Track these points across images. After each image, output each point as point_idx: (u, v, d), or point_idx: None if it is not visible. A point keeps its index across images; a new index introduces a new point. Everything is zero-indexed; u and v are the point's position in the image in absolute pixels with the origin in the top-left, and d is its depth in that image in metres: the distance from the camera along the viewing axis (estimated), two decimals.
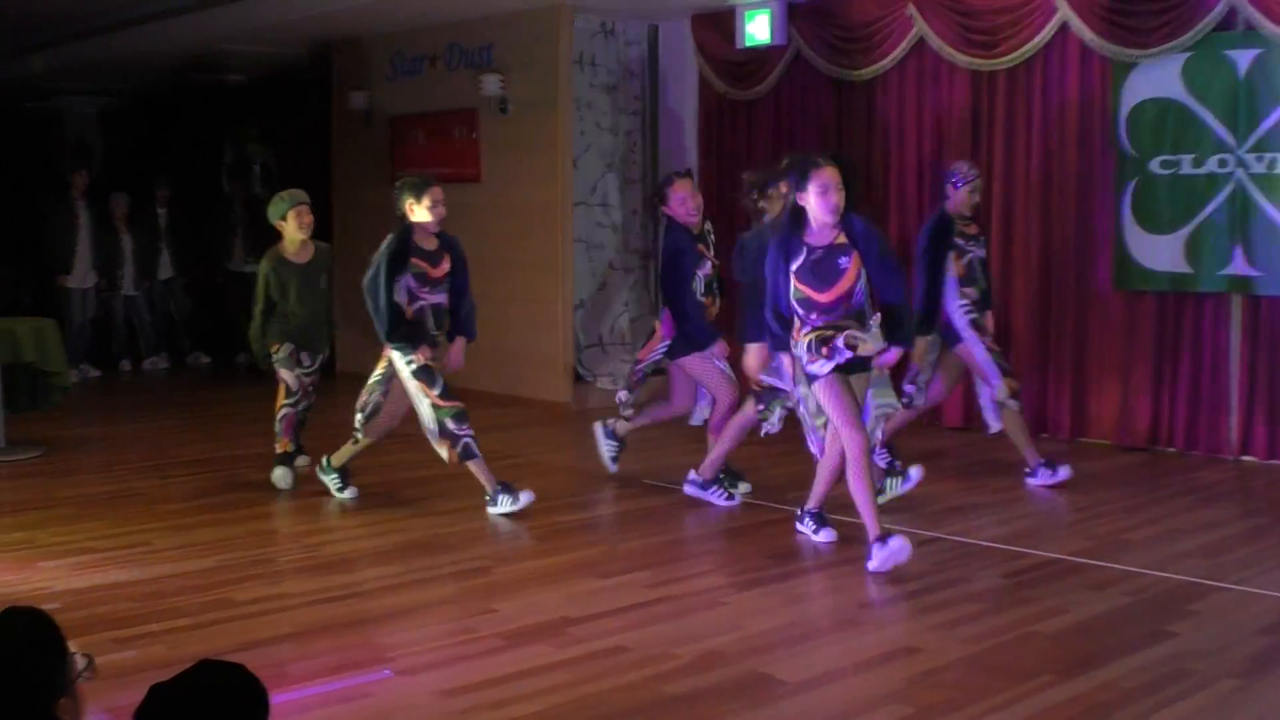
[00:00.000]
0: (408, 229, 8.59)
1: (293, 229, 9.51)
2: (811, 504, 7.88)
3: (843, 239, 7.14)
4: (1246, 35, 10.02)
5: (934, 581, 7.01)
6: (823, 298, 7.14)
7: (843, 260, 7.10)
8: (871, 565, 7.15)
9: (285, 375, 9.56)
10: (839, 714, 5.29)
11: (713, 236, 9.21)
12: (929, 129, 11.96)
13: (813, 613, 6.57)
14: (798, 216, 7.19)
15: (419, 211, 8.54)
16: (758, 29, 12.71)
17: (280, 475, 9.41)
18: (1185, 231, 10.33)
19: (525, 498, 8.62)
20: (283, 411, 9.55)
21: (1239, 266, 10.08)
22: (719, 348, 8.94)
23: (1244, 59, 10.04)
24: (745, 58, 13.16)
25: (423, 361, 8.54)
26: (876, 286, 7.23)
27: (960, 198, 9.11)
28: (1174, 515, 8.57)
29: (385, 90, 15.03)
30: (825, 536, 7.82)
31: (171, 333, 17.31)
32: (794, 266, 7.17)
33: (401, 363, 8.61)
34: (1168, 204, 10.42)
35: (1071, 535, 8.13)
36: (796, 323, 7.28)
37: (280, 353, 9.56)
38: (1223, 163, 10.15)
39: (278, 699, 5.29)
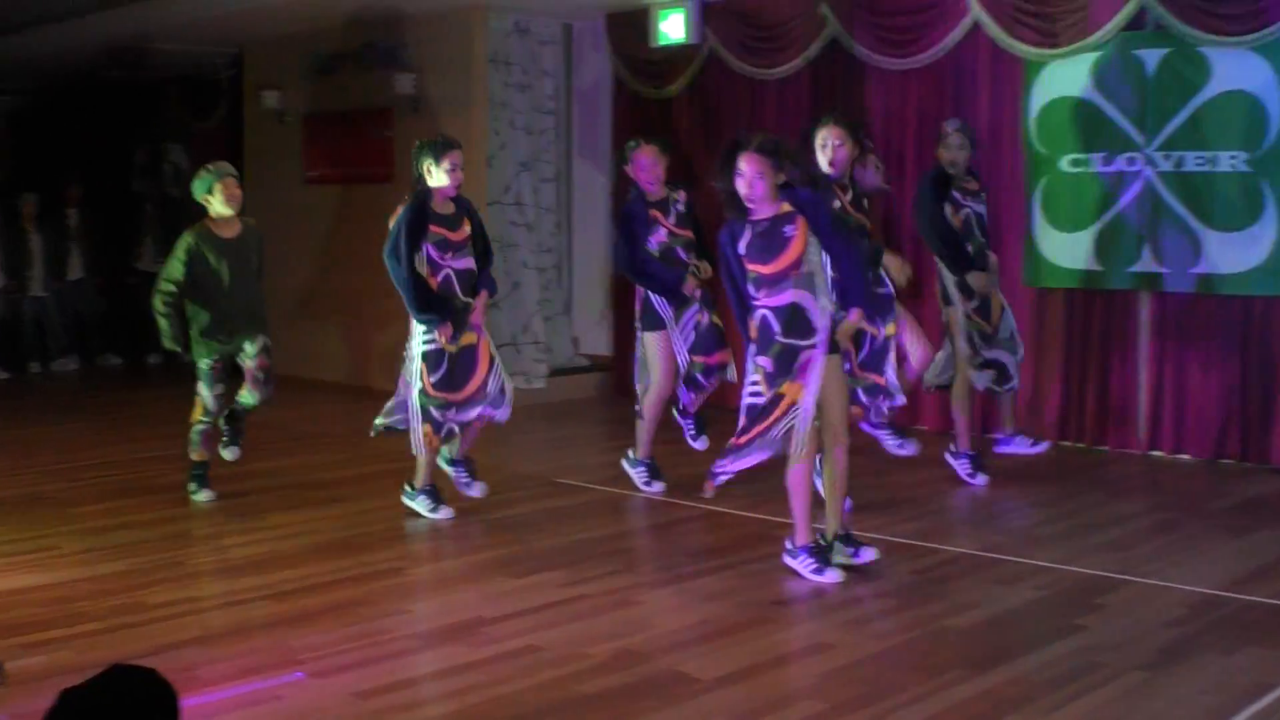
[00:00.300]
0: (422, 195, 8.25)
1: (219, 204, 8.85)
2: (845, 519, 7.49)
3: (787, 208, 6.90)
4: (1155, 35, 10.14)
5: (847, 577, 7.03)
6: (768, 269, 6.90)
7: (788, 229, 6.87)
8: (788, 562, 7.18)
9: (203, 393, 8.90)
10: (753, 711, 5.29)
11: (680, 206, 9.10)
12: None
13: (726, 610, 6.57)
14: (735, 199, 6.96)
15: (437, 175, 8.19)
16: (672, 28, 12.73)
17: (202, 496, 9.05)
18: (1095, 229, 10.44)
19: (444, 513, 8.53)
20: (198, 427, 9.03)
21: (1147, 264, 10.19)
22: (689, 285, 8.93)
23: (1152, 58, 10.16)
24: (659, 57, 13.18)
25: (439, 345, 8.24)
26: (828, 252, 6.99)
27: (941, 154, 9.18)
28: (1083, 510, 8.66)
29: (299, 89, 14.93)
30: (865, 556, 7.36)
31: (81, 334, 17.12)
32: (741, 248, 6.97)
33: (419, 338, 8.31)
34: (1077, 202, 10.53)
35: (981, 530, 8.20)
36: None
37: (203, 363, 8.88)
38: (1131, 161, 10.26)
39: (189, 703, 5.25)
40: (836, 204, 8.13)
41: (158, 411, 13.05)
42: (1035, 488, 9.26)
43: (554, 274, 14.17)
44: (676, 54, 13.02)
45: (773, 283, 6.91)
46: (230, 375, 9.05)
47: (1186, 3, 9.79)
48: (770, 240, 6.89)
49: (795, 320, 6.90)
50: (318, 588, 7.06)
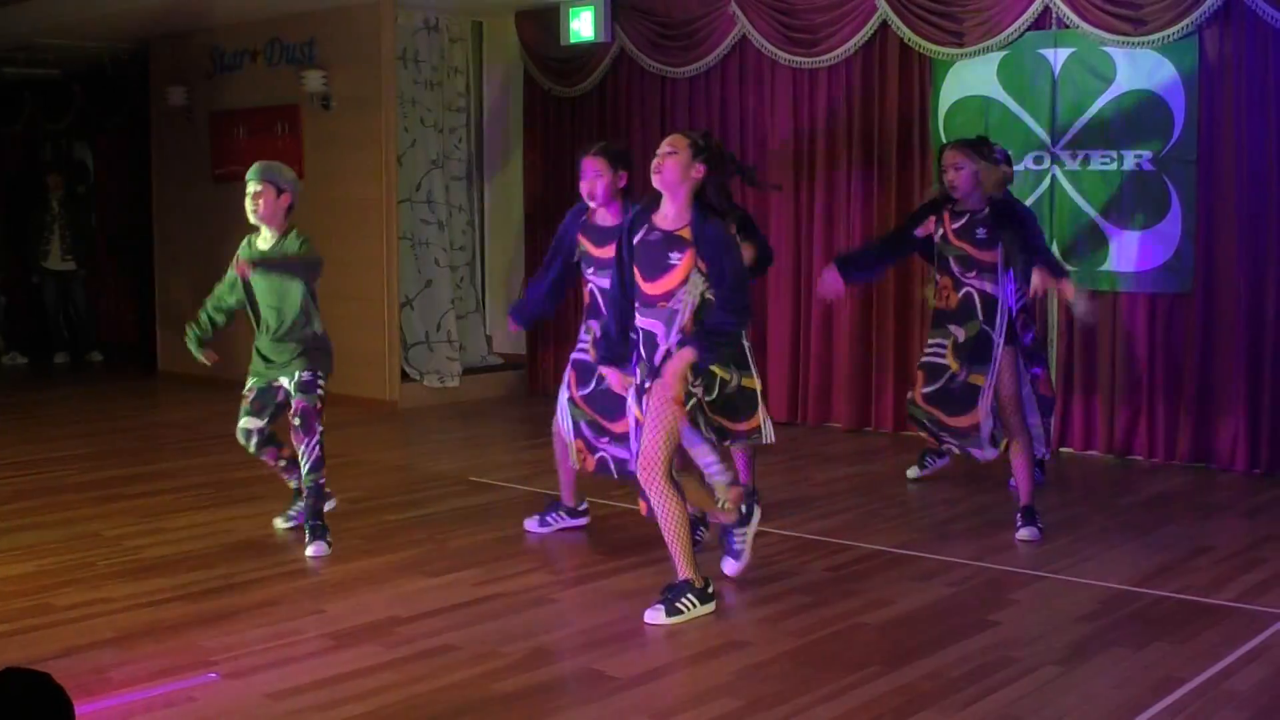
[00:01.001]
0: (583, 203, 7.61)
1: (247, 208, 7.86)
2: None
3: (686, 233, 6.33)
4: (1060, 34, 10.25)
5: (762, 575, 7.07)
6: (648, 289, 6.41)
7: (674, 255, 6.30)
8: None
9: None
10: (669, 708, 5.31)
11: None
12: (751, 127, 12.06)
13: (641, 608, 6.54)
14: (657, 195, 6.50)
15: None
16: (582, 26, 12.75)
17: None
18: None
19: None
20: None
21: None
22: None
23: (1058, 58, 10.28)
24: (569, 55, 13.18)
25: (592, 357, 7.32)
26: (714, 289, 6.34)
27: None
28: (995, 506, 8.72)
29: (205, 86, 14.77)
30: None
31: None
32: (635, 240, 6.50)
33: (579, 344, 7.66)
34: None
35: (895, 527, 8.25)
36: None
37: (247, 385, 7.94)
38: (1039, 160, 10.37)
39: (100, 705, 5.22)
40: (940, 232, 7.97)
41: (65, 411, 12.92)
42: (947, 485, 9.32)
43: (466, 272, 14.13)
44: (587, 52, 13.03)
45: (646, 305, 6.46)
46: (275, 416, 7.97)
47: (1090, 3, 9.90)
48: (654, 257, 6.41)
49: (646, 349, 6.50)
50: (231, 588, 7.00)
